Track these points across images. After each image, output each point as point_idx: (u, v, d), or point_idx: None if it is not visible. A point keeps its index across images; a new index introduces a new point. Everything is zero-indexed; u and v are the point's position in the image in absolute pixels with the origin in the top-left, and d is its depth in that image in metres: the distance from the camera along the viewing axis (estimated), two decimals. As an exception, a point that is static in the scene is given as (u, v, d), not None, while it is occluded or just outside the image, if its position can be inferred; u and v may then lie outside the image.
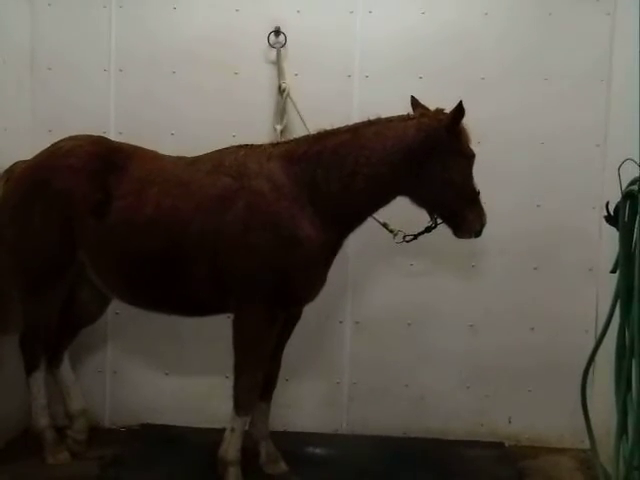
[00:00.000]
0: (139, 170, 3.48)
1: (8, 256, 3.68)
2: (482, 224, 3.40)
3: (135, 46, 4.25)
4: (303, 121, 3.96)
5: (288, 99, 4.08)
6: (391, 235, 3.79)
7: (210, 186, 3.37)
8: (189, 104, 4.22)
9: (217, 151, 3.54)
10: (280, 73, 4.13)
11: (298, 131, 3.93)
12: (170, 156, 3.63)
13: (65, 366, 3.96)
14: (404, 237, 3.69)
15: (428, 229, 3.55)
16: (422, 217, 3.52)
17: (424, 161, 3.29)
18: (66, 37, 4.27)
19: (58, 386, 3.95)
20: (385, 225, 3.82)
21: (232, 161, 3.42)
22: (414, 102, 3.47)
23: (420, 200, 3.42)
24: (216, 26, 4.21)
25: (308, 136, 3.53)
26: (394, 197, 3.44)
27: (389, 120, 3.36)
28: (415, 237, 3.64)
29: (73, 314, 3.92)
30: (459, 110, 3.25)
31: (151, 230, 3.38)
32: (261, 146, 3.52)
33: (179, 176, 3.45)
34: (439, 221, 3.48)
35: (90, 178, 3.47)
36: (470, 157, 3.38)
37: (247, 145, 3.52)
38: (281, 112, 4.09)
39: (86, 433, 3.98)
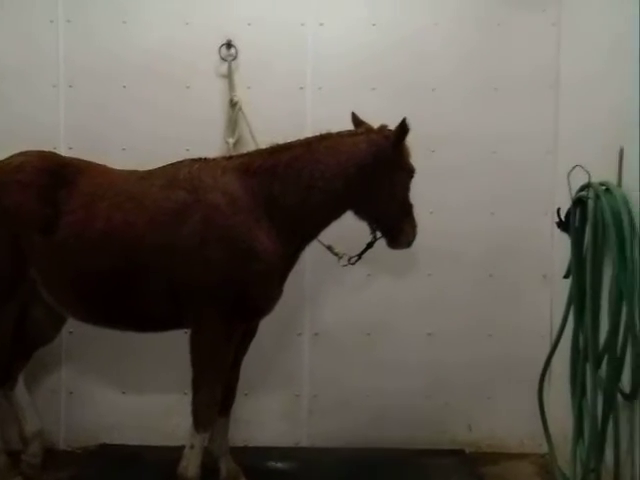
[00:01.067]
0: (89, 184, 3.43)
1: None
2: (414, 235, 3.55)
3: (84, 60, 4.19)
4: (252, 135, 3.95)
5: (240, 112, 4.06)
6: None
7: (164, 200, 3.33)
8: (140, 118, 4.18)
9: (170, 165, 3.50)
10: (231, 86, 4.11)
11: (250, 145, 3.93)
12: (122, 170, 3.57)
13: (19, 388, 3.85)
14: (349, 259, 3.76)
15: (369, 245, 3.64)
16: (352, 233, 3.61)
17: (374, 176, 3.36)
18: (14, 53, 4.19)
19: (12, 409, 3.84)
20: (330, 248, 3.87)
21: (186, 175, 3.38)
22: (355, 119, 3.55)
23: (365, 214, 3.50)
24: (166, 39, 4.18)
25: (261, 150, 3.52)
26: (345, 210, 3.48)
27: (340, 135, 3.40)
28: (359, 257, 3.73)
29: (27, 334, 3.81)
30: (403, 127, 3.33)
31: (102, 245, 3.31)
32: (215, 160, 3.50)
33: (131, 190, 3.40)
34: (378, 235, 3.58)
35: (39, 193, 3.40)
36: (411, 172, 3.50)
37: (201, 159, 3.49)
38: (233, 125, 4.07)
39: (41, 456, 3.88)
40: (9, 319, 3.59)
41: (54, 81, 4.20)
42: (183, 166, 3.45)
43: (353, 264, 3.75)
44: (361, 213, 3.49)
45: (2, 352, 3.65)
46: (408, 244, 3.55)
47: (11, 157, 3.58)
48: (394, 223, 3.49)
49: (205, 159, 3.49)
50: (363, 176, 3.34)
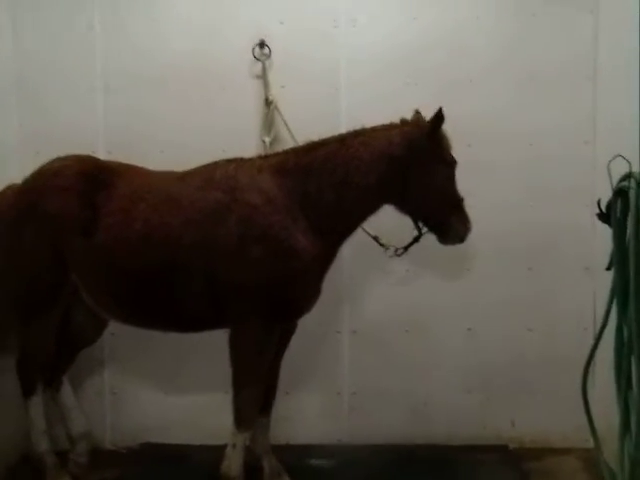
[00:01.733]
0: (127, 187, 3.46)
1: (2, 281, 3.65)
2: (467, 230, 3.43)
3: (121, 64, 4.24)
4: (291, 133, 3.95)
5: (275, 111, 4.07)
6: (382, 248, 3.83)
7: (201, 200, 3.35)
8: (177, 119, 4.21)
9: (206, 165, 3.53)
10: (266, 85, 4.12)
11: (287, 143, 3.92)
12: (159, 171, 3.61)
13: (65, 389, 3.92)
14: (395, 251, 3.74)
15: (416, 239, 3.59)
16: (408, 226, 3.55)
17: (407, 168, 3.32)
18: (51, 57, 4.26)
19: (59, 409, 3.92)
20: (376, 239, 3.85)
21: (222, 175, 3.40)
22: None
23: (405, 208, 3.45)
24: (200, 41, 4.21)
25: (297, 148, 3.54)
26: (381, 206, 3.47)
27: (374, 130, 3.39)
28: (406, 249, 3.70)
29: (70, 337, 3.88)
30: (438, 117, 3.30)
31: (141, 246, 3.35)
32: (251, 159, 3.51)
33: (168, 191, 3.43)
34: (425, 229, 3.52)
35: (78, 197, 3.45)
36: (451, 164, 3.42)
37: (237, 159, 3.50)
38: (269, 124, 4.08)
39: (88, 456, 3.94)
40: (53, 323, 3.65)
41: (92, 85, 4.26)
42: (219, 166, 3.47)
43: (399, 256, 3.73)
44: (401, 208, 3.45)
45: (48, 355, 3.71)
46: (460, 240, 3.46)
47: (49, 163, 3.65)
48: (440, 218, 3.41)
49: (241, 159, 3.50)
50: (397, 169, 3.32)
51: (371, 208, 3.47)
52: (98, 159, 3.76)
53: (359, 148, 3.34)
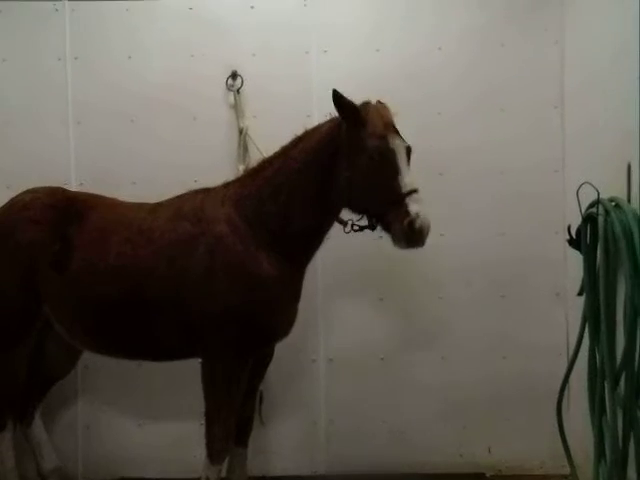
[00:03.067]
0: (99, 219, 3.47)
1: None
2: (405, 229, 3.00)
3: (92, 97, 4.25)
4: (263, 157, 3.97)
5: (248, 139, 4.10)
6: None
7: (171, 232, 3.37)
8: (149, 151, 4.22)
9: (176, 197, 3.55)
10: (239, 114, 4.15)
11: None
12: (131, 203, 3.62)
13: (37, 424, 3.87)
14: (352, 226, 3.34)
15: (370, 227, 3.26)
16: None
17: (334, 164, 3.21)
18: (23, 91, 4.27)
19: (30, 445, 3.86)
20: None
21: (190, 207, 3.42)
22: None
23: (349, 207, 3.27)
24: (172, 72, 4.24)
25: (250, 171, 3.53)
26: (333, 213, 3.35)
27: (312, 130, 3.36)
28: (361, 229, 3.32)
29: (43, 370, 3.85)
30: (335, 97, 3.17)
31: (113, 278, 3.34)
32: (215, 189, 3.52)
33: (140, 224, 3.43)
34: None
35: (49, 229, 3.45)
36: (374, 152, 3.10)
37: (204, 189, 3.53)
38: (243, 152, 4.11)
39: None
40: (24, 356, 3.61)
41: (63, 118, 4.25)
42: (188, 198, 3.50)
43: (355, 231, 3.33)
44: (349, 208, 3.27)
45: (18, 389, 3.65)
46: (403, 240, 3.04)
47: (19, 195, 3.64)
48: (373, 213, 3.17)
49: (208, 190, 3.52)
50: (326, 165, 3.22)
51: (323, 218, 3.34)
52: (68, 191, 3.76)
53: (297, 156, 3.32)
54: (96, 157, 4.23)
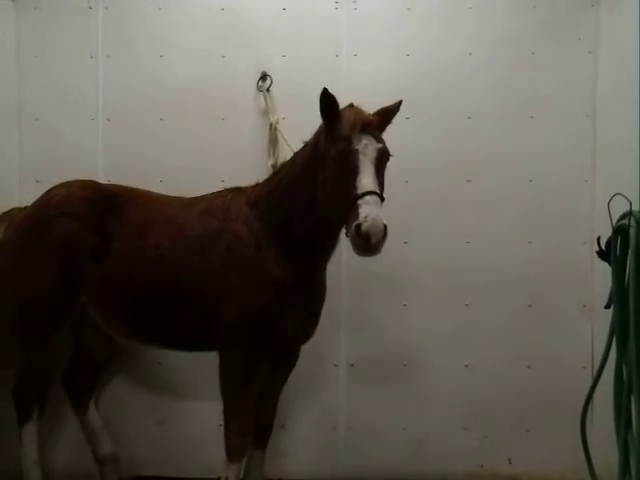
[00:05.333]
0: (137, 212, 3.54)
1: (8, 304, 3.63)
2: (359, 233, 2.78)
3: (122, 95, 4.27)
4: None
5: (278, 134, 4.10)
6: None
7: (200, 227, 3.44)
8: (178, 150, 4.23)
9: (211, 194, 3.61)
10: (268, 110, 4.16)
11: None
12: (166, 196, 3.70)
13: (92, 412, 3.98)
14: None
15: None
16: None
17: (316, 166, 3.15)
18: (53, 87, 4.29)
19: (85, 432, 3.98)
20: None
21: (220, 204, 3.49)
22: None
23: (320, 213, 3.18)
24: (203, 72, 4.25)
25: (273, 172, 3.62)
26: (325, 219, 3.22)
27: (313, 136, 3.36)
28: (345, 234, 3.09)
29: (85, 359, 3.97)
30: (321, 97, 3.12)
31: (152, 269, 3.42)
32: (245, 189, 3.56)
33: (176, 217, 3.51)
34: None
35: (88, 222, 3.51)
36: (336, 154, 2.99)
37: (236, 188, 3.59)
38: (272, 147, 4.12)
39: (117, 476, 3.99)
40: (56, 346, 3.67)
41: (93, 115, 4.28)
42: (220, 195, 3.56)
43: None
44: (321, 214, 3.19)
45: (48, 380, 3.73)
46: (354, 247, 2.86)
47: (54, 188, 3.69)
48: (340, 220, 2.99)
49: (238, 189, 3.58)
50: (311, 170, 3.19)
51: (318, 224, 3.22)
52: (101, 183, 3.82)
53: (299, 162, 3.33)
54: (124, 154, 4.25)
